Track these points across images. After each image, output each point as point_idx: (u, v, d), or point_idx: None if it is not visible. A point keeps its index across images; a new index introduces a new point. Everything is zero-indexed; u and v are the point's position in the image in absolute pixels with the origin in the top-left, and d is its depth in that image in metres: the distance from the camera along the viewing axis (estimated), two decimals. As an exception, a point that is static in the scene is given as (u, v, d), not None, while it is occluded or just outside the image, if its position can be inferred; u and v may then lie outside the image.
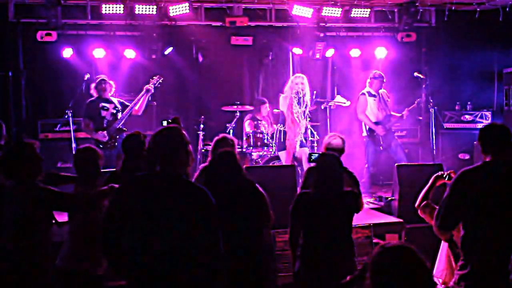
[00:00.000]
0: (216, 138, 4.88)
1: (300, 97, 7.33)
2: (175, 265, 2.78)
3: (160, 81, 7.40)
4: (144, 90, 7.28)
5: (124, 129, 7.21)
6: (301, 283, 4.10)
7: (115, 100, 7.38)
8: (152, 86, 7.32)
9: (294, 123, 7.41)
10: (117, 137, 7.20)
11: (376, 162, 8.06)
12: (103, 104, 7.27)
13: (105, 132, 7.16)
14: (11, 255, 3.67)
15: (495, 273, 3.16)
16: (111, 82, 7.43)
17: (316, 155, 4.74)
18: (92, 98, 7.33)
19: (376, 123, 7.93)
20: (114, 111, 7.31)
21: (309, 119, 7.82)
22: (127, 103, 7.37)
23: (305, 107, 7.43)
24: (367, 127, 8.00)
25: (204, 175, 4.13)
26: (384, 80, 8.05)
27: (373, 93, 8.01)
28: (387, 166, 7.94)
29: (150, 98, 7.47)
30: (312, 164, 4.91)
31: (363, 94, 8.03)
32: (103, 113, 7.27)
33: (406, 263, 2.12)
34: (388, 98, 8.14)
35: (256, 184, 4.05)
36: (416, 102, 8.04)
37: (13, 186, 3.73)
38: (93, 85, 7.36)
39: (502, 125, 3.49)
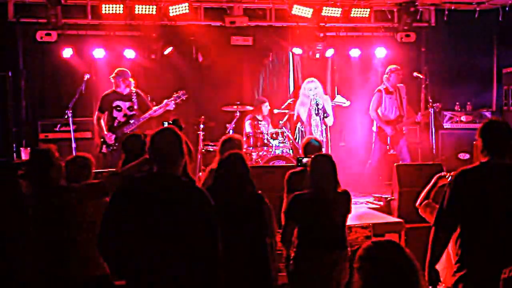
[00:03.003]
0: (223, 138, 4.87)
1: (319, 108, 7.37)
2: (175, 265, 2.78)
3: (184, 98, 7.33)
4: (164, 103, 7.24)
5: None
6: (295, 283, 4.11)
7: (134, 97, 7.27)
8: (173, 102, 7.25)
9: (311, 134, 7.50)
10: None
11: (380, 159, 8.06)
12: (118, 102, 7.23)
13: (114, 134, 7.17)
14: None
15: (493, 274, 3.15)
16: (131, 79, 7.33)
17: (306, 159, 4.75)
18: (108, 92, 7.30)
19: (387, 122, 7.93)
20: (128, 113, 7.25)
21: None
22: (148, 102, 7.32)
23: (324, 114, 7.46)
24: (378, 124, 8.01)
25: (212, 178, 4.10)
26: (401, 74, 8.05)
27: (390, 89, 7.99)
28: (387, 166, 7.95)
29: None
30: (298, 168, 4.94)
31: (379, 90, 8.01)
32: (115, 113, 7.25)
33: (393, 256, 2.14)
34: (404, 95, 8.13)
35: (265, 199, 4.03)
36: (431, 107, 8.00)
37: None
38: (110, 77, 7.35)
39: (503, 122, 3.44)
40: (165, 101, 7.28)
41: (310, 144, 5.05)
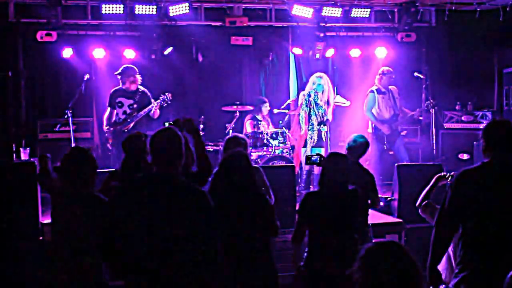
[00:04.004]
0: (227, 137, 4.90)
1: (311, 100, 7.42)
2: (174, 265, 2.77)
3: (168, 101, 7.24)
4: (150, 106, 7.21)
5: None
6: (306, 282, 4.11)
7: (138, 95, 7.25)
8: (157, 105, 7.19)
9: (298, 125, 7.54)
10: (120, 139, 7.17)
11: (379, 160, 8.05)
12: (121, 99, 7.26)
13: (111, 130, 7.20)
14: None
15: (495, 275, 3.13)
16: (138, 76, 7.33)
17: (315, 157, 4.73)
18: (116, 88, 7.36)
19: (382, 122, 7.93)
20: (128, 110, 7.24)
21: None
22: (151, 99, 7.31)
23: (317, 107, 7.51)
24: (373, 125, 8.01)
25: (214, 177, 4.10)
26: (394, 76, 8.06)
27: (383, 90, 8.01)
28: (387, 166, 7.94)
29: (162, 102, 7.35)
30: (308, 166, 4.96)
31: (372, 91, 8.03)
32: (117, 109, 7.28)
33: (395, 258, 2.13)
34: (397, 95, 8.14)
35: (266, 196, 4.03)
36: (427, 103, 8.04)
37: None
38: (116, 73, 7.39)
39: (506, 122, 3.40)
40: (151, 104, 7.22)
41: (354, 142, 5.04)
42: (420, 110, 8.14)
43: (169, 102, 7.36)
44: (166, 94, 7.30)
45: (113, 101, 7.30)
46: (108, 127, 7.29)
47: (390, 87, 8.08)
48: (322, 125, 7.65)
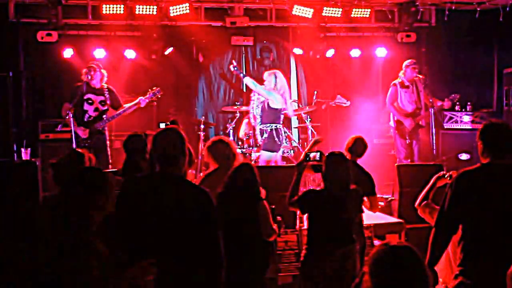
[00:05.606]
0: (212, 139, 4.83)
1: (254, 99, 7.31)
2: (177, 265, 2.78)
3: (159, 95, 7.10)
4: (137, 100, 7.02)
5: (103, 132, 7.02)
6: (306, 280, 4.14)
7: (106, 92, 7.03)
8: (146, 101, 7.01)
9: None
10: (95, 137, 6.96)
11: (409, 154, 7.97)
12: (89, 95, 6.96)
13: (88, 129, 6.91)
14: None
15: (495, 277, 3.14)
16: (103, 71, 7.08)
17: (313, 154, 4.65)
18: (79, 85, 6.99)
19: (405, 116, 7.89)
20: (101, 107, 7.01)
21: (310, 119, 7.88)
22: (119, 99, 7.14)
23: (256, 107, 7.28)
24: (395, 118, 7.98)
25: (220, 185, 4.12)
26: (417, 67, 7.98)
27: (406, 83, 7.97)
28: (387, 166, 7.94)
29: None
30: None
31: (394, 84, 8.00)
32: (86, 106, 6.97)
33: (407, 263, 2.14)
34: (422, 89, 8.04)
35: (265, 202, 4.06)
36: (452, 96, 8.01)
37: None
38: (84, 70, 7.05)
39: (503, 123, 3.42)
40: (139, 98, 7.04)
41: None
42: (451, 99, 8.06)
43: (159, 96, 7.16)
44: (155, 88, 7.08)
45: (79, 98, 6.88)
46: (82, 127, 6.90)
47: (415, 78, 8.01)
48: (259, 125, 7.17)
